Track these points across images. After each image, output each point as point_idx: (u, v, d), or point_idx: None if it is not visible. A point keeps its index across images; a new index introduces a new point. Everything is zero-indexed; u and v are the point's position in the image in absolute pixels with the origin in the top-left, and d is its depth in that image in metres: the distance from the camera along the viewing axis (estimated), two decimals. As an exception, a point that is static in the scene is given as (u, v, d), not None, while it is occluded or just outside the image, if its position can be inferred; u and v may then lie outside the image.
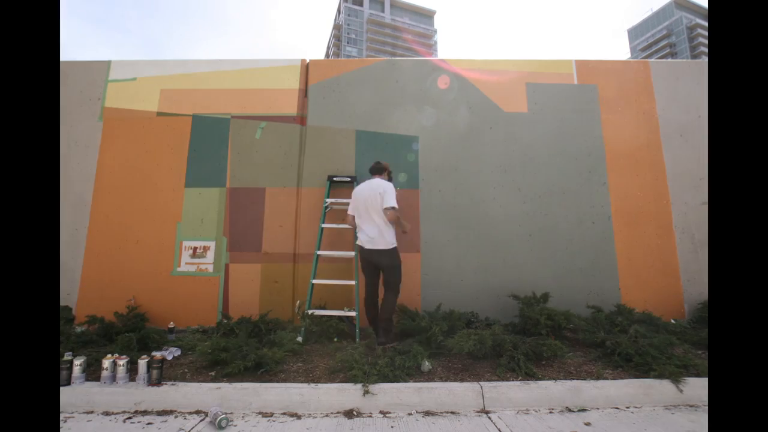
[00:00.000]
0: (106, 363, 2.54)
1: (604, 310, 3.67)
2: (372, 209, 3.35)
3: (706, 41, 50.60)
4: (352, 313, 3.55)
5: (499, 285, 4.08)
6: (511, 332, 3.35)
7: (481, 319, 3.87)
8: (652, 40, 68.54)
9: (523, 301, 3.69)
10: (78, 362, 2.58)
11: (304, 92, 4.53)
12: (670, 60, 9.29)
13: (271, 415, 2.31)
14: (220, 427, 2.11)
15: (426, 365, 2.74)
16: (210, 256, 4.15)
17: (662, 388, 2.48)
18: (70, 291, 4.08)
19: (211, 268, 4.12)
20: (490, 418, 2.26)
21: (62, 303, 4.00)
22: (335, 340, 3.45)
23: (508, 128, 4.46)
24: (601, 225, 4.21)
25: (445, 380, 2.62)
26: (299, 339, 3.37)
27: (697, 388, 2.48)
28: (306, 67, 4.60)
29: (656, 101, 4.54)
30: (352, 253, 3.82)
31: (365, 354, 2.91)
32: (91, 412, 2.35)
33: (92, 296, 4.05)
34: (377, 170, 3.60)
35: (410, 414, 2.32)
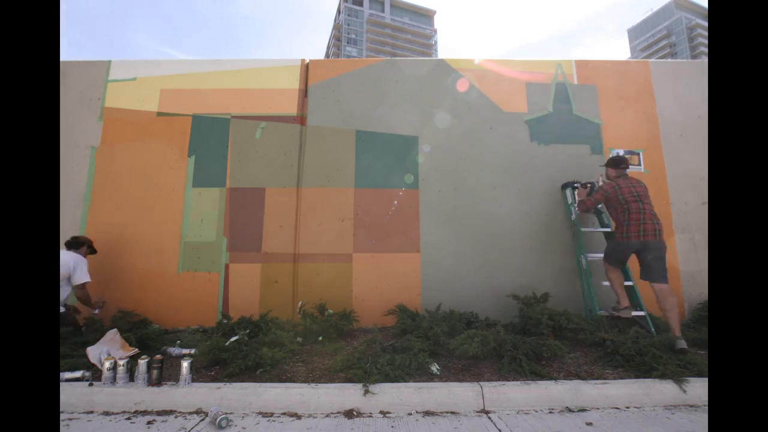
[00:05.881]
0: (107, 363, 2.53)
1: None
2: None
3: (706, 41, 50.61)
4: (642, 313, 3.55)
5: (499, 285, 4.08)
6: (511, 332, 3.34)
7: (481, 319, 3.87)
8: (652, 40, 68.60)
9: (523, 301, 3.69)
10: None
11: (304, 92, 4.53)
12: (670, 60, 9.29)
13: (271, 415, 2.31)
14: (220, 427, 2.10)
15: (434, 368, 2.74)
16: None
17: (662, 387, 2.48)
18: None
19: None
20: (490, 418, 2.26)
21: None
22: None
23: (508, 128, 4.46)
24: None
25: (446, 380, 2.62)
26: (299, 339, 3.38)
27: (697, 388, 2.48)
28: (306, 67, 4.60)
29: (656, 101, 4.54)
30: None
31: (365, 353, 2.90)
32: (91, 412, 2.35)
33: (92, 296, 4.04)
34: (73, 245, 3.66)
35: (410, 414, 2.32)
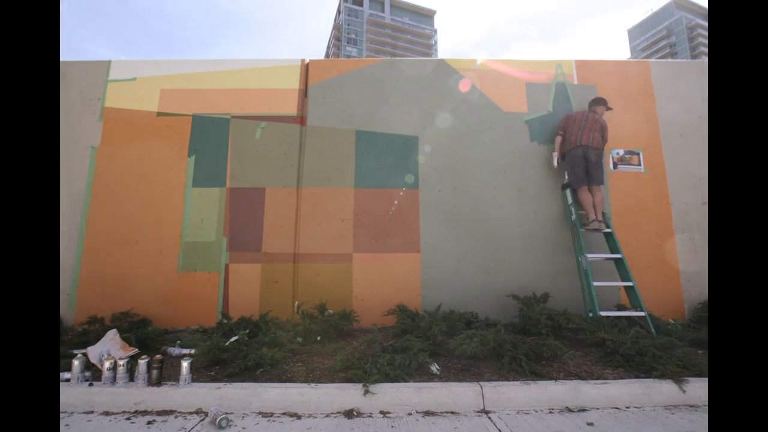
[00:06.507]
0: (107, 363, 2.53)
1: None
2: None
3: (706, 41, 50.60)
4: (642, 313, 3.54)
5: (499, 285, 4.08)
6: (510, 332, 3.34)
7: (481, 319, 3.87)
8: (652, 40, 68.60)
9: (523, 301, 3.69)
10: (77, 362, 2.58)
11: (304, 92, 4.53)
12: (670, 60, 9.29)
13: (271, 415, 2.31)
14: (220, 427, 2.11)
15: (434, 368, 2.74)
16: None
17: (662, 387, 2.48)
18: (70, 291, 4.08)
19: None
20: (490, 418, 2.26)
21: (62, 303, 4.00)
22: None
23: (508, 128, 4.46)
24: (601, 225, 4.21)
25: (445, 380, 2.62)
26: (299, 339, 3.38)
27: (697, 388, 2.48)
28: (306, 67, 4.60)
29: (656, 101, 4.54)
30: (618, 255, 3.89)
31: (365, 353, 2.90)
32: (91, 412, 2.35)
33: (92, 296, 4.04)
34: None
35: (410, 414, 2.32)
